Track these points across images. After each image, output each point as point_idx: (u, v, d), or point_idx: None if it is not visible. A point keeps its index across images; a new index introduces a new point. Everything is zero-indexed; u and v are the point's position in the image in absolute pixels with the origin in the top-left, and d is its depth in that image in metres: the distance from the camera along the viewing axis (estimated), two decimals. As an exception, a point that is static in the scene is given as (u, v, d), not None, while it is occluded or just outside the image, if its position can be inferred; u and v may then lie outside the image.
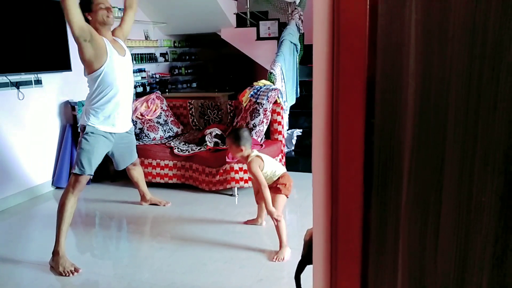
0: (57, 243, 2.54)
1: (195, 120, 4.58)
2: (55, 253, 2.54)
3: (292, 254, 2.63)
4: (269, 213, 2.58)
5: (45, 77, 3.97)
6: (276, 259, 2.59)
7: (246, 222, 3.14)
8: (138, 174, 3.41)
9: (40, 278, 2.49)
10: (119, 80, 2.69)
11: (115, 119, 2.76)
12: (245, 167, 3.61)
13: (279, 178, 2.72)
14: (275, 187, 2.70)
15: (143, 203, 3.58)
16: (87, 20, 2.56)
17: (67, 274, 2.47)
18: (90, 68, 2.60)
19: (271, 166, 2.72)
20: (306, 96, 5.00)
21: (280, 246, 2.64)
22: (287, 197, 2.76)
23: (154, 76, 5.93)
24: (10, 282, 2.48)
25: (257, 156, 2.67)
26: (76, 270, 2.50)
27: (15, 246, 2.95)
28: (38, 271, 2.57)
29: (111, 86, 2.66)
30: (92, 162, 2.66)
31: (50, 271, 2.55)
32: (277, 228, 2.62)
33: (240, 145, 2.62)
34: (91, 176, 2.79)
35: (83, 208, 3.66)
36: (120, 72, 2.70)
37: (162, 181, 3.95)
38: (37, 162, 3.97)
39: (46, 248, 2.66)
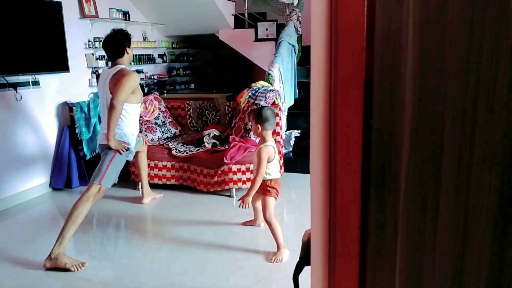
0: (60, 244, 2.57)
1: (193, 121, 4.58)
2: (57, 253, 2.55)
3: (290, 255, 2.63)
4: (246, 196, 2.55)
5: (42, 78, 3.96)
6: (274, 260, 2.59)
7: (244, 223, 3.15)
8: (143, 159, 3.66)
9: (38, 279, 2.49)
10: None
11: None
12: (243, 168, 3.61)
13: (271, 180, 2.63)
14: (265, 189, 2.62)
15: (143, 202, 3.65)
16: (123, 52, 2.83)
17: (77, 269, 2.55)
18: (127, 99, 2.77)
19: (275, 166, 2.67)
20: (304, 97, 5.00)
21: (278, 248, 2.64)
22: (276, 199, 2.70)
23: (152, 77, 5.92)
24: (8, 283, 2.47)
25: (273, 147, 2.61)
26: (82, 264, 2.58)
27: (13, 247, 2.94)
28: (36, 271, 2.56)
29: (137, 114, 2.99)
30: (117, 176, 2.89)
31: (46, 270, 2.55)
32: (272, 230, 2.62)
33: (258, 123, 2.58)
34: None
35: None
36: None
37: (160, 182, 3.94)
38: (35, 163, 3.96)
39: (44, 249, 2.65)
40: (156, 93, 4.75)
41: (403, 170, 0.61)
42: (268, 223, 2.62)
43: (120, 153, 2.76)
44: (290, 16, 5.10)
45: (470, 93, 0.55)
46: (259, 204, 2.87)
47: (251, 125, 3.79)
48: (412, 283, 0.64)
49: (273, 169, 2.64)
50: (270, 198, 2.62)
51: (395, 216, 0.63)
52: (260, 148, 2.57)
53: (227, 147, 3.77)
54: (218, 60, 7.30)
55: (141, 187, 3.74)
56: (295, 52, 4.82)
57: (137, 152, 3.46)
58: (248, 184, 3.54)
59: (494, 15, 0.52)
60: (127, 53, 2.85)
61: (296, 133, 4.64)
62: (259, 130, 2.58)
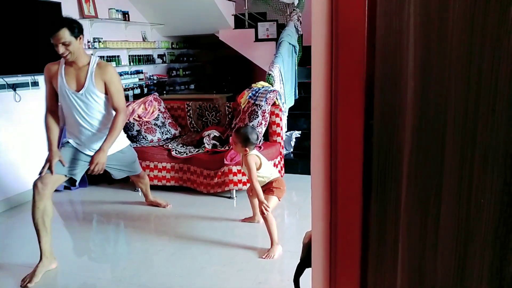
0: (43, 259, 2.58)
1: (193, 122, 4.57)
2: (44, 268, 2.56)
3: (291, 256, 2.62)
4: (260, 203, 2.63)
5: (42, 78, 3.95)
6: (266, 256, 2.62)
7: (244, 220, 3.23)
8: (144, 185, 3.51)
9: (39, 280, 2.47)
10: (75, 112, 2.69)
11: (79, 140, 2.81)
12: (243, 169, 3.61)
13: (272, 182, 2.79)
14: (269, 189, 2.77)
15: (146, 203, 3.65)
16: None
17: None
18: None
19: (267, 169, 2.80)
20: (305, 97, 5.00)
21: (271, 244, 2.68)
22: (279, 200, 2.82)
23: (151, 77, 5.92)
24: (8, 283, 2.47)
25: (256, 155, 2.76)
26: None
27: (14, 248, 2.93)
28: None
29: (69, 116, 2.73)
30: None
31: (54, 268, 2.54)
32: (267, 226, 2.67)
33: (245, 147, 2.71)
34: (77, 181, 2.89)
35: (80, 211, 3.64)
36: (76, 106, 2.66)
37: (160, 183, 3.94)
38: (34, 164, 3.95)
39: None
40: (156, 93, 4.74)
41: (404, 171, 0.61)
42: (264, 219, 2.67)
43: None
44: (290, 16, 5.10)
45: (471, 93, 0.54)
46: (256, 200, 2.92)
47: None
48: (414, 285, 0.63)
49: (267, 171, 2.78)
50: (272, 197, 2.73)
51: (397, 218, 0.63)
52: (245, 157, 2.73)
53: (227, 148, 3.77)
54: (218, 60, 7.30)
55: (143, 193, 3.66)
56: (295, 52, 4.82)
57: (135, 181, 3.43)
58: (248, 186, 3.55)
59: (495, 14, 0.51)
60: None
61: (296, 134, 4.64)
62: (245, 152, 2.72)
